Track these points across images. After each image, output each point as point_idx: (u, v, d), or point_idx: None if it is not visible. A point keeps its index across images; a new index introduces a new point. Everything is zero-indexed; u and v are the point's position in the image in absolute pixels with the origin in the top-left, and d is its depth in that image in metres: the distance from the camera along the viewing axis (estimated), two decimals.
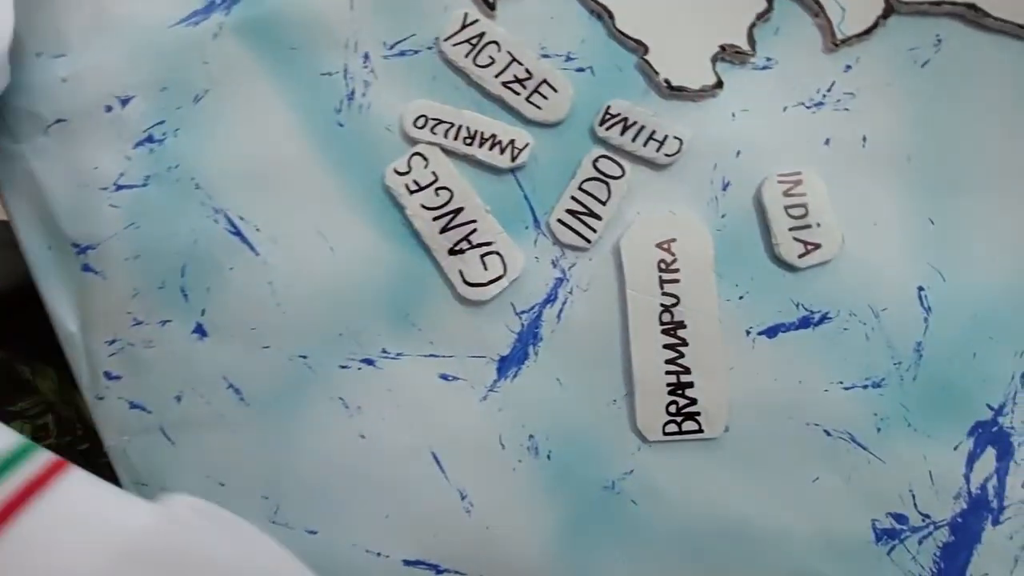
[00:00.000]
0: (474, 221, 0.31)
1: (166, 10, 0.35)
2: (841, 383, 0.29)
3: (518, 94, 0.32)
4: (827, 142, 0.31)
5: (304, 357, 0.30)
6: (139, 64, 0.34)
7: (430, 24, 0.34)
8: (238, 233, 0.32)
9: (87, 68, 0.34)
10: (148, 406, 0.31)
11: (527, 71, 0.32)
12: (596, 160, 0.31)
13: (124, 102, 0.34)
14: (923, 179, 0.30)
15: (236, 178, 0.33)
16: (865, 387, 0.29)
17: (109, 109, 0.34)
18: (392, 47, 0.34)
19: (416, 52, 0.34)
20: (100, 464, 0.30)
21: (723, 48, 0.32)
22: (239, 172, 0.33)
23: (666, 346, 0.29)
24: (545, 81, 0.32)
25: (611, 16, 0.33)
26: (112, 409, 0.31)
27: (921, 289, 0.29)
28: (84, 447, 0.39)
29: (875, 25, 0.32)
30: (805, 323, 0.29)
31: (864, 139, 0.31)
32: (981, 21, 0.32)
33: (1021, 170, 0.30)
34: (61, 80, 0.34)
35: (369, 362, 0.30)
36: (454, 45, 0.33)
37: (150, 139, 0.33)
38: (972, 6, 0.32)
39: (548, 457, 0.29)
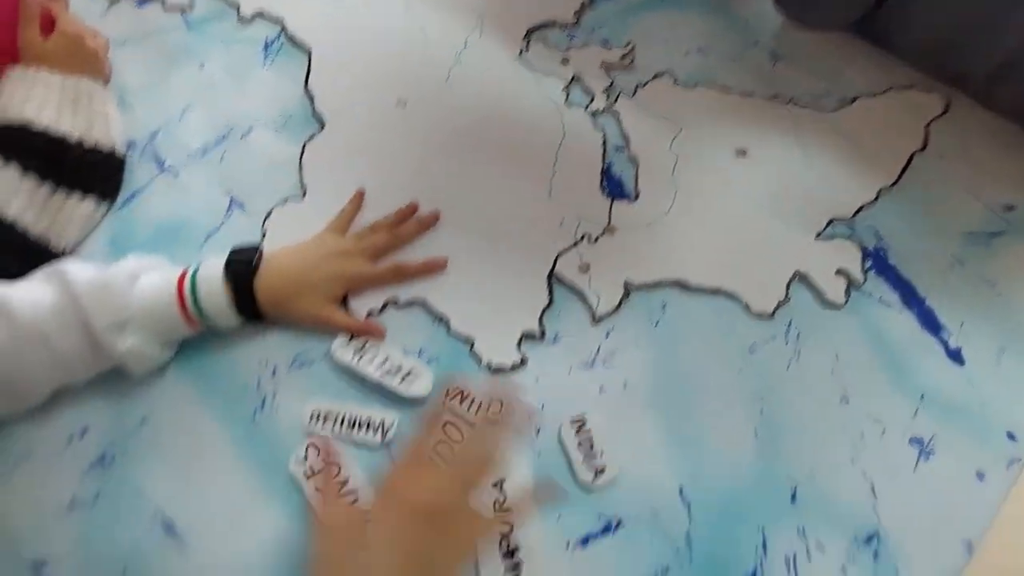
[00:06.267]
0: (355, 491, 0.41)
1: None
2: (639, 574, 0.38)
3: (393, 379, 0.44)
4: (600, 390, 0.44)
5: None
6: (94, 402, 0.45)
7: (321, 340, 0.47)
8: (172, 532, 0.40)
9: (53, 409, 0.45)
10: None
11: (398, 365, 0.45)
12: (445, 426, 0.43)
13: (81, 434, 0.44)
14: (669, 408, 0.43)
15: (171, 485, 0.42)
16: (655, 574, 0.38)
17: (69, 440, 0.44)
18: (293, 361, 0.46)
19: (312, 363, 0.46)
20: None
21: (523, 335, 0.46)
22: (174, 480, 0.42)
23: (507, 569, 0.38)
24: (412, 370, 0.45)
25: (447, 321, 0.47)
26: None
27: (681, 489, 0.41)
28: None
29: (620, 304, 0.47)
30: (606, 529, 0.40)
31: (625, 384, 0.44)
32: (688, 289, 0.48)
33: (726, 391, 0.44)
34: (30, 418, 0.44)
35: None
36: (343, 351, 0.45)
37: (101, 460, 0.43)
38: (679, 281, 0.48)
39: None
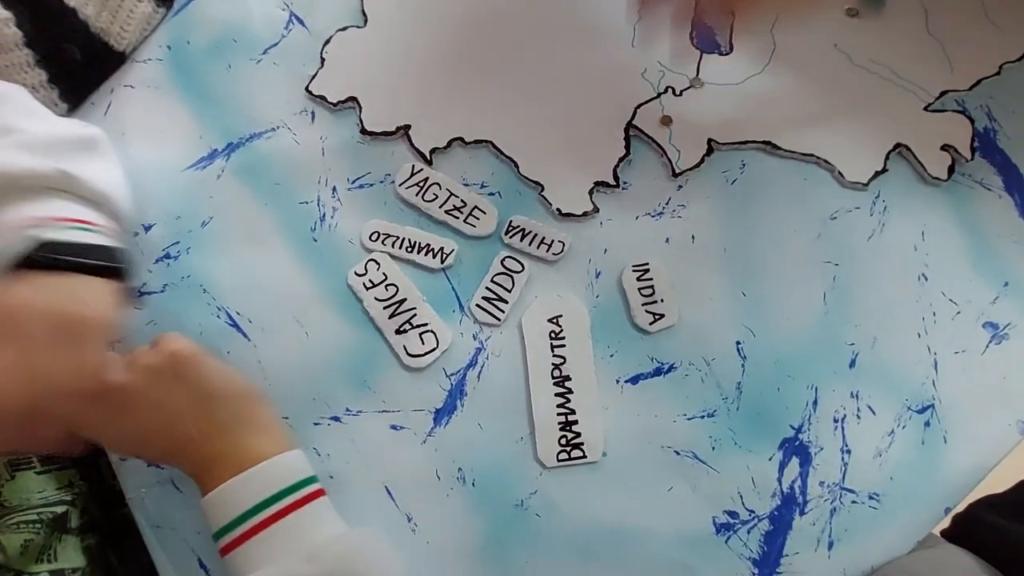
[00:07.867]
0: (414, 308, 0.41)
1: (179, 157, 0.47)
2: (685, 415, 0.39)
3: (457, 218, 0.44)
4: (667, 240, 0.43)
5: (286, 418, 0.39)
6: (159, 199, 0.45)
7: (381, 165, 0.46)
8: (235, 325, 0.42)
9: None
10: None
11: (462, 201, 0.44)
12: (503, 259, 0.43)
13: (147, 228, 0.44)
14: (735, 264, 0.42)
15: (234, 283, 0.43)
16: (702, 417, 0.39)
17: (135, 235, 0.44)
18: (353, 182, 0.45)
19: (371, 185, 0.45)
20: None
21: (596, 184, 0.44)
22: (236, 278, 0.43)
23: (557, 394, 0.39)
24: (476, 207, 0.44)
25: (516, 164, 0.45)
26: (133, 468, 0.39)
27: (738, 343, 0.40)
28: None
29: (702, 161, 0.45)
30: (658, 372, 0.40)
31: (693, 237, 0.43)
32: (774, 152, 0.45)
33: (799, 254, 0.42)
34: None
35: (336, 419, 0.39)
36: (407, 188, 0.45)
37: (167, 256, 0.44)
38: (768, 142, 0.45)
39: (473, 484, 0.38)
